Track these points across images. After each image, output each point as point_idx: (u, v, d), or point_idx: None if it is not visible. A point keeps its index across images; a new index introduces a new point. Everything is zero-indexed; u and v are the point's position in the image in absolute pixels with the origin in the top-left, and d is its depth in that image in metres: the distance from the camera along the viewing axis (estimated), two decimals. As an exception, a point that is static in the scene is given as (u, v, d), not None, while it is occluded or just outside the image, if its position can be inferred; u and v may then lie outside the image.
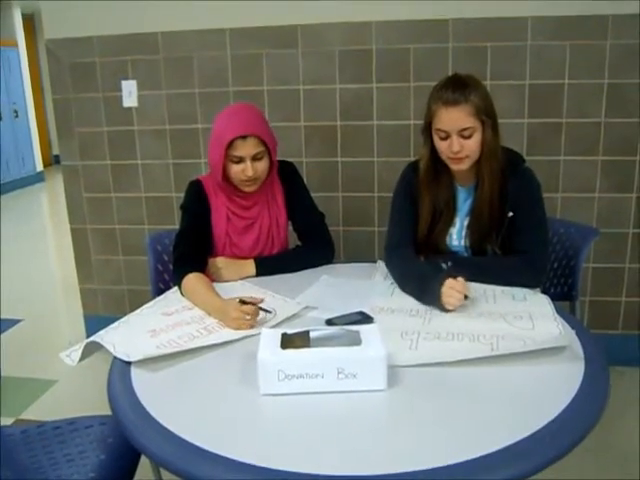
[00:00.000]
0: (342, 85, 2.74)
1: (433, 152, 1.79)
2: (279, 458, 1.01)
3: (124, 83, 2.90)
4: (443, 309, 1.56)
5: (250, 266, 1.90)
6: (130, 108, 2.94)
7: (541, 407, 1.14)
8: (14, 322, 3.66)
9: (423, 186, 1.83)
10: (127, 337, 1.49)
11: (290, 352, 1.20)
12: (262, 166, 1.85)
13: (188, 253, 1.83)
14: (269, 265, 1.92)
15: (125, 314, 1.65)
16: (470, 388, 1.23)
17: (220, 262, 1.88)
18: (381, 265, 1.91)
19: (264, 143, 1.82)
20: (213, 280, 1.85)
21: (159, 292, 1.98)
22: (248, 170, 1.81)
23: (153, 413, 1.16)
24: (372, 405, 1.18)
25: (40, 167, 8.37)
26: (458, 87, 1.68)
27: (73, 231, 3.20)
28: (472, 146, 1.70)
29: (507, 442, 1.02)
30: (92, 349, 1.49)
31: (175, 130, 2.93)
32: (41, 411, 2.71)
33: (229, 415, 1.16)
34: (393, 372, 1.24)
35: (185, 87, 2.87)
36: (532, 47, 2.56)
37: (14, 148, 7.83)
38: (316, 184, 2.84)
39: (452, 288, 1.55)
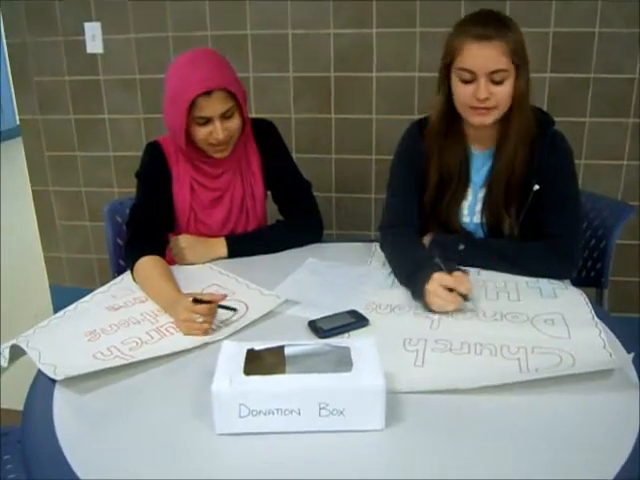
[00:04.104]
0: (337, 30, 2.38)
1: (448, 102, 1.46)
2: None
3: (87, 25, 2.52)
4: (429, 310, 1.27)
5: (220, 246, 1.58)
6: (95, 55, 2.57)
7: (593, 461, 0.84)
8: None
9: (433, 142, 1.51)
10: (58, 341, 1.19)
11: (256, 380, 0.89)
12: (234, 125, 1.51)
13: (143, 231, 1.51)
14: (244, 245, 1.60)
15: (93, 286, 1.42)
16: (494, 425, 0.92)
17: (183, 241, 1.56)
18: (378, 249, 1.60)
19: (233, 96, 1.48)
20: (173, 263, 1.54)
21: (120, 270, 1.68)
22: (218, 132, 1.47)
23: (74, 465, 0.86)
24: (365, 451, 0.88)
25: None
26: (492, 20, 1.36)
27: (35, 194, 2.87)
28: (503, 94, 1.37)
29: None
30: (22, 351, 1.20)
31: (146, 80, 2.57)
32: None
33: (172, 466, 0.85)
34: (393, 401, 0.94)
35: (157, 30, 2.50)
36: (559, -12, 2.20)
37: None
38: (306, 144, 2.53)
39: (440, 285, 1.25)
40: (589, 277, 1.81)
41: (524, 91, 1.39)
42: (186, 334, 1.19)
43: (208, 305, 1.19)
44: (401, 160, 1.60)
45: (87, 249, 2.90)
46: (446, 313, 1.25)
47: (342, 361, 0.94)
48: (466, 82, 1.37)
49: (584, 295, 1.34)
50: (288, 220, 1.71)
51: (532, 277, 1.41)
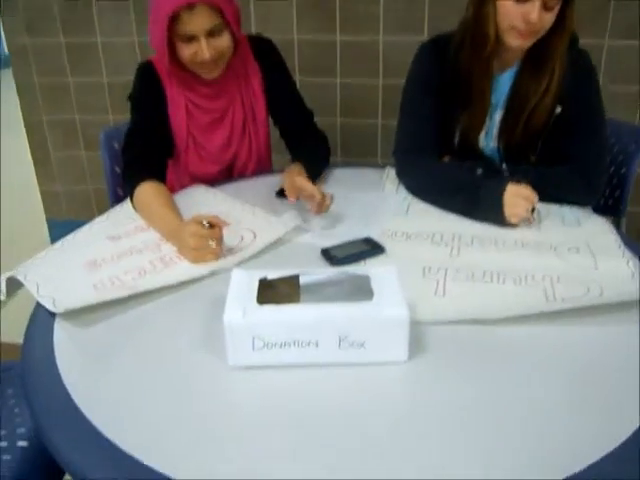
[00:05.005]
0: (342, -58, 2.22)
1: None
2: (251, 462, 0.69)
3: (73, -62, 2.36)
4: (504, 223, 1.24)
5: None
6: (83, -29, 2.41)
7: (620, 395, 0.80)
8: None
9: (483, 60, 1.37)
10: (57, 272, 1.13)
11: (270, 310, 0.83)
12: (222, 43, 1.39)
13: (141, 156, 1.41)
14: (315, 168, 1.49)
15: (91, 219, 1.34)
16: (518, 355, 0.88)
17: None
18: (391, 173, 1.52)
19: (220, 13, 1.36)
20: (174, 189, 1.45)
21: (118, 201, 1.60)
22: (203, 51, 1.36)
23: (77, 400, 0.81)
24: (386, 385, 0.83)
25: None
26: None
27: (27, 123, 2.75)
28: (548, 22, 1.28)
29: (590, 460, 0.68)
30: (19, 283, 1.13)
31: (140, -1, 2.42)
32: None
33: (181, 399, 0.81)
34: (414, 332, 0.88)
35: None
36: None
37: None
38: (309, 67, 2.40)
39: (518, 195, 1.22)
40: (607, 205, 1.74)
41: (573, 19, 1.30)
42: (194, 262, 1.12)
43: (219, 228, 1.13)
44: (417, 81, 1.49)
45: (83, 180, 2.81)
46: (469, 240, 1.20)
47: (361, 290, 0.88)
48: (518, 0, 1.25)
49: (609, 223, 1.28)
50: (304, 147, 1.58)
51: (553, 203, 1.34)
